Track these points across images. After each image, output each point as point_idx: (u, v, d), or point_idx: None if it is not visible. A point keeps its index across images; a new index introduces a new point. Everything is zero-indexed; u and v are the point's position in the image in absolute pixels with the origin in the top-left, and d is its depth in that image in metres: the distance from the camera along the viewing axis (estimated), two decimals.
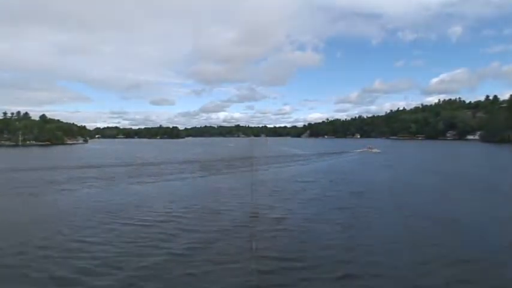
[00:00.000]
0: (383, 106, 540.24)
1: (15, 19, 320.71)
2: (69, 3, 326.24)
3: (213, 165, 55.79)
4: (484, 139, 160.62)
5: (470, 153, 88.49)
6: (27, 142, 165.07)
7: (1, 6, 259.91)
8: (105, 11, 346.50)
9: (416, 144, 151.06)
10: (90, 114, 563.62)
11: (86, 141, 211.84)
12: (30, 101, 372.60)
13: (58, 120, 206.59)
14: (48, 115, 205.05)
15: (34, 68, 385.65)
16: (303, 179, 37.42)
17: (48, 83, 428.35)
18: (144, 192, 29.76)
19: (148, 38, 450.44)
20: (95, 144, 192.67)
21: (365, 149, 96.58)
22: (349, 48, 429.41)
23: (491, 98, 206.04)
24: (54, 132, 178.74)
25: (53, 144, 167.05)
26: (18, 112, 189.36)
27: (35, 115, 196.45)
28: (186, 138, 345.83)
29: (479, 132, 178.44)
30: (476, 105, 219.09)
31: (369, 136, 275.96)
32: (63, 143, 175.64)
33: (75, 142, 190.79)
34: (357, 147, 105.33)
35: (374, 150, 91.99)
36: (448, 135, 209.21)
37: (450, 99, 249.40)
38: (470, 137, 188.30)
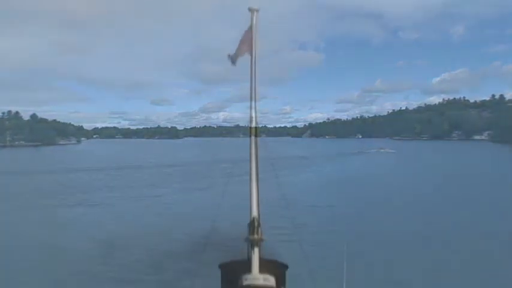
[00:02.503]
0: (384, 106, 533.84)
1: (15, 19, 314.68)
2: (70, 3, 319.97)
3: (203, 171, 48.83)
4: (493, 139, 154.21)
5: (491, 155, 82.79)
6: (16, 143, 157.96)
7: (1, 6, 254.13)
8: (105, 11, 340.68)
9: (425, 145, 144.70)
10: (90, 114, 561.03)
11: (79, 141, 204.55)
12: (29, 101, 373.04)
13: (54, 120, 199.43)
14: (48, 115, 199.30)
15: (33, 68, 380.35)
16: (322, 201, 29.47)
17: (47, 83, 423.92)
18: (85, 223, 21.89)
19: (148, 38, 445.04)
20: (87, 145, 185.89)
21: (378, 149, 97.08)
22: (350, 47, 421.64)
23: (497, 97, 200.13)
24: (45, 133, 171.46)
25: (43, 144, 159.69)
26: (9, 111, 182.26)
27: (33, 115, 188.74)
28: (185, 139, 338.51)
29: (486, 132, 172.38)
30: (481, 105, 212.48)
31: (370, 136, 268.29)
32: (54, 144, 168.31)
33: (67, 143, 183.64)
34: (365, 148, 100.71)
35: (388, 150, 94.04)
36: (454, 135, 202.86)
37: (454, 98, 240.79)
38: (477, 137, 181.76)
